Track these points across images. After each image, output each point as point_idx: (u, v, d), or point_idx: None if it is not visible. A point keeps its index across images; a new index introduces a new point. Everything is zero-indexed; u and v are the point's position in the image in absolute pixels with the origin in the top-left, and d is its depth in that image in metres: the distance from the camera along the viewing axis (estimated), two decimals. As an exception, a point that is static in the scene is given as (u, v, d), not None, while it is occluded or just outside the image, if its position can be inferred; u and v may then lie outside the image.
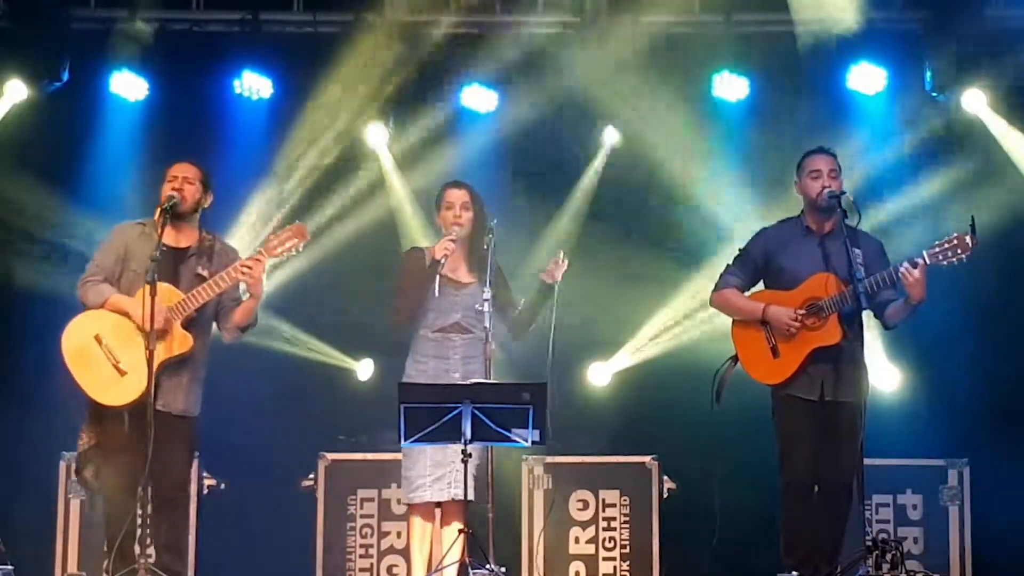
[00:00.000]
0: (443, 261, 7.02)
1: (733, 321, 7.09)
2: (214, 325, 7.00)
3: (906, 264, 6.63)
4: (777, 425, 6.94)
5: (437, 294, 6.98)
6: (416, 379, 7.09)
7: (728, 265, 7.16)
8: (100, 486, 6.71)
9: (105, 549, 6.78)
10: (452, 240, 7.07)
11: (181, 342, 6.72)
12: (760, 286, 7.13)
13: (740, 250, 7.15)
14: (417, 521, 7.13)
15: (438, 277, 6.97)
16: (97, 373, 6.68)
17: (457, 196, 7.24)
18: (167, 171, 6.94)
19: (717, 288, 7.15)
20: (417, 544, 7.13)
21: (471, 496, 6.71)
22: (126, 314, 6.69)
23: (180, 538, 6.96)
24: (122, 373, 6.66)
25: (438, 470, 7.00)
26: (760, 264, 7.06)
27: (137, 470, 6.54)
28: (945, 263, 6.62)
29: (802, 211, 7.05)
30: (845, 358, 6.77)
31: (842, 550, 6.84)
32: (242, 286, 6.87)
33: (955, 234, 6.63)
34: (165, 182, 6.91)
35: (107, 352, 6.69)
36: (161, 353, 6.65)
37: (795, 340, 6.84)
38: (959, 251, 6.60)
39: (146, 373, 6.55)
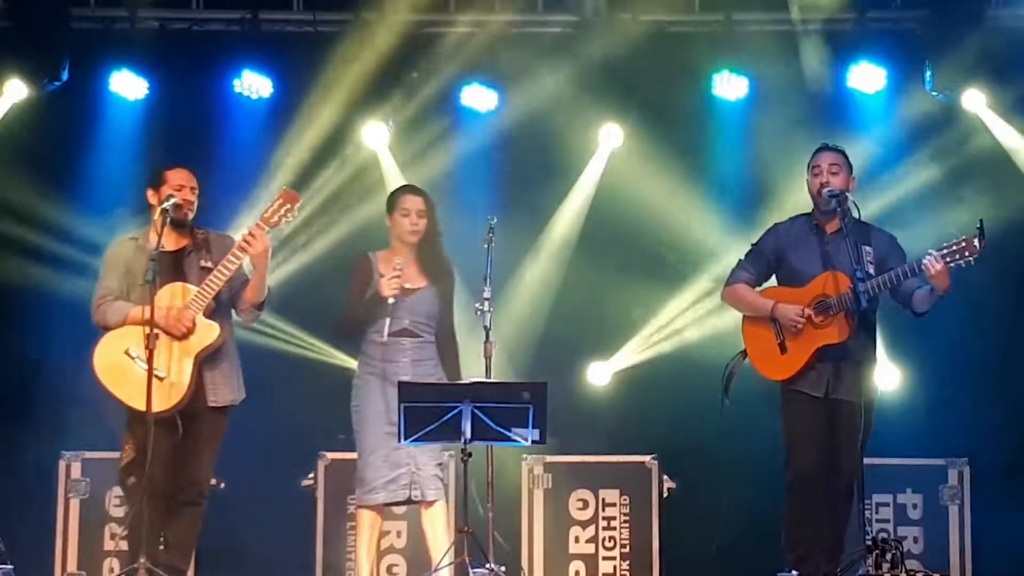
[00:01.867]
0: (392, 302, 6.94)
1: (743, 317, 7.08)
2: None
3: (928, 258, 6.60)
4: (784, 421, 6.94)
5: (386, 338, 6.92)
6: (368, 382, 7.07)
7: (740, 260, 7.14)
8: (141, 495, 6.63)
9: (127, 550, 6.92)
10: (398, 276, 6.96)
11: (208, 332, 6.75)
12: (773, 282, 7.13)
13: (752, 245, 7.14)
14: (366, 521, 7.06)
15: (388, 320, 6.91)
16: (136, 384, 6.64)
17: (414, 203, 7.20)
18: (165, 173, 6.92)
19: (728, 283, 7.14)
20: (365, 544, 7.06)
21: (434, 497, 6.92)
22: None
23: (190, 539, 6.97)
24: (160, 379, 6.62)
25: (392, 471, 6.97)
26: (772, 260, 7.05)
27: (176, 474, 6.71)
28: (952, 265, 6.58)
29: (813, 208, 7.06)
30: (852, 356, 6.74)
31: (843, 549, 6.84)
32: (247, 263, 6.88)
33: (963, 237, 6.56)
34: (163, 184, 6.89)
35: (140, 362, 6.68)
36: (194, 347, 6.71)
37: (802, 337, 6.83)
38: (967, 253, 6.54)
39: (184, 374, 6.66)
